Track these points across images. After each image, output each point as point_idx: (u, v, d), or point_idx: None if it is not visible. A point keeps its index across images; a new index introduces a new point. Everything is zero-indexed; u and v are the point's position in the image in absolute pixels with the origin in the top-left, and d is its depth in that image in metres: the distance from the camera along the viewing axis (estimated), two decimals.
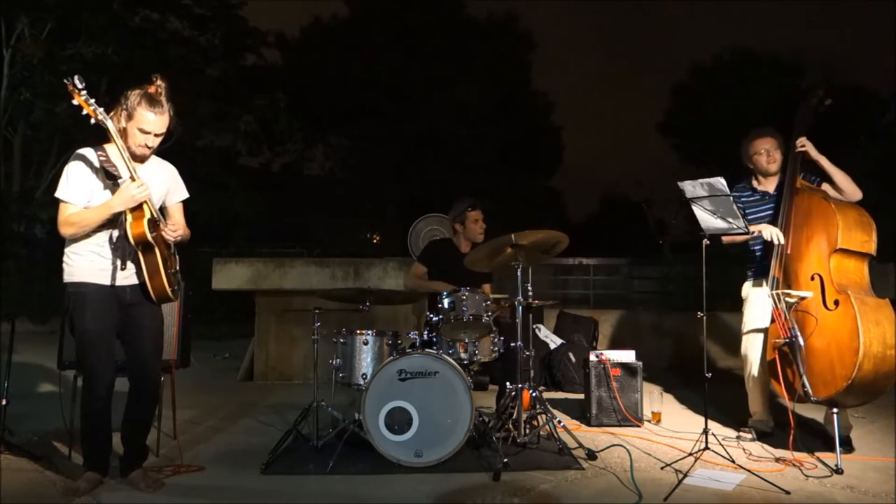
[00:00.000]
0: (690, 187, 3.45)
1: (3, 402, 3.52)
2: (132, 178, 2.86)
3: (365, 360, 3.69)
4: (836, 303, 3.41)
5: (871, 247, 3.55)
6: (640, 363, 4.40)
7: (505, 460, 3.27)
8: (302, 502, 2.99)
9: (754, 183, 4.05)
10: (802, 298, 3.52)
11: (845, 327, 3.34)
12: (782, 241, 3.66)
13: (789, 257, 3.66)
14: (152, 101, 2.92)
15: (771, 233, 3.70)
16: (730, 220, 3.46)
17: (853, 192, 3.73)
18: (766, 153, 3.92)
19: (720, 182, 3.39)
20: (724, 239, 3.87)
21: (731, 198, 3.42)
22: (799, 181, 3.77)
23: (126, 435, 3.12)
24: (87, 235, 2.92)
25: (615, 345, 7.05)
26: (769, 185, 4.00)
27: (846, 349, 3.31)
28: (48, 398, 4.92)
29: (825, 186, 3.81)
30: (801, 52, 20.50)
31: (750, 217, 3.95)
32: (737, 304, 4.15)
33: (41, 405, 4.63)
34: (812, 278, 3.54)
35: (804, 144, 3.73)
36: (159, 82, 2.98)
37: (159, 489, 3.05)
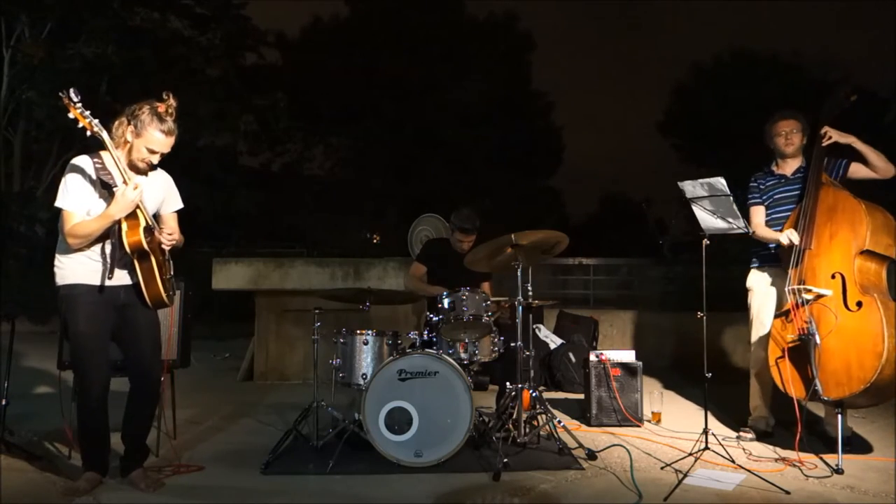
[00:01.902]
0: (690, 187, 3.45)
1: (3, 402, 3.53)
2: (125, 183, 2.86)
3: (365, 360, 3.70)
4: (859, 304, 3.33)
5: (894, 251, 3.49)
6: (640, 363, 4.40)
7: (505, 460, 3.27)
8: (302, 502, 2.99)
9: (773, 167, 4.02)
10: (821, 296, 3.46)
11: (868, 330, 3.27)
12: (796, 242, 3.59)
13: (809, 253, 3.57)
14: (162, 120, 2.93)
15: (788, 237, 3.63)
16: (730, 219, 3.45)
17: (887, 168, 3.67)
18: (785, 135, 3.89)
19: (720, 182, 3.38)
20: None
21: (731, 198, 3.41)
22: (824, 176, 3.71)
23: (127, 434, 3.12)
24: (88, 245, 2.93)
25: (615, 345, 7.05)
26: (787, 169, 3.95)
27: (867, 353, 3.24)
28: (48, 398, 4.92)
29: (855, 168, 3.75)
30: (801, 52, 20.51)
31: (767, 200, 3.95)
32: (737, 304, 4.15)
33: (41, 405, 4.63)
34: (833, 276, 3.47)
35: (829, 134, 3.69)
36: (171, 101, 2.97)
37: (159, 489, 3.05)
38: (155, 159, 2.99)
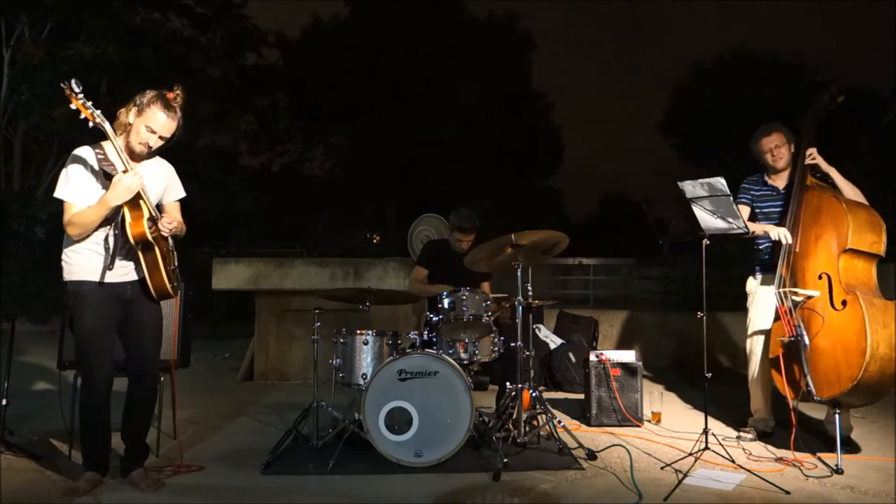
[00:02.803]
0: (690, 187, 3.45)
1: (3, 402, 3.53)
2: (125, 171, 2.86)
3: (365, 360, 3.70)
4: (844, 303, 3.38)
5: (881, 248, 3.51)
6: (640, 363, 4.40)
7: (505, 460, 3.27)
8: (302, 502, 2.99)
9: (766, 178, 4.04)
10: (809, 297, 3.49)
11: (853, 328, 3.31)
12: (790, 241, 3.63)
13: (797, 255, 3.62)
14: (167, 104, 2.96)
15: (778, 233, 3.67)
16: (730, 220, 3.45)
17: (859, 201, 3.70)
18: (771, 152, 3.91)
19: (720, 182, 3.39)
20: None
21: (731, 198, 3.42)
22: (809, 178, 3.73)
23: (126, 433, 3.12)
24: (88, 234, 2.93)
25: (615, 345, 7.05)
26: (779, 181, 3.98)
27: (853, 350, 3.28)
28: (48, 398, 4.92)
29: None
30: (801, 52, 20.52)
31: (760, 211, 3.98)
32: (737, 304, 4.15)
33: (41, 405, 4.63)
34: (819, 277, 3.51)
35: (814, 157, 3.71)
36: (178, 91, 3.02)
37: (159, 489, 3.05)
38: (153, 141, 2.97)
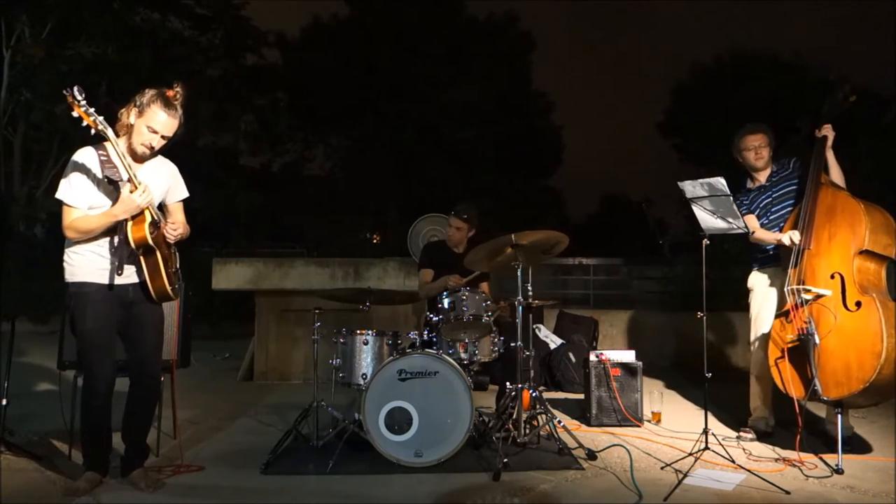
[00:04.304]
0: (690, 187, 3.45)
1: (3, 402, 3.53)
2: (133, 185, 2.86)
3: (365, 360, 3.70)
4: (858, 304, 3.33)
5: (893, 251, 3.49)
6: (640, 363, 4.39)
7: (505, 460, 3.27)
8: (302, 502, 2.99)
9: (749, 184, 4.10)
10: (820, 296, 3.46)
11: (867, 330, 3.27)
12: (796, 241, 3.59)
13: (809, 253, 3.58)
14: (167, 103, 2.94)
15: (790, 237, 3.62)
16: (730, 219, 3.45)
17: (841, 184, 3.73)
18: (755, 150, 3.97)
19: (720, 182, 3.38)
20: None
21: (731, 198, 3.42)
22: (823, 176, 3.71)
23: (126, 433, 3.12)
24: (90, 238, 2.93)
25: (615, 345, 7.05)
26: (761, 178, 4.04)
27: (866, 352, 3.24)
28: (48, 398, 4.92)
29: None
30: (801, 52, 20.54)
31: (756, 210, 3.99)
32: (738, 304, 4.15)
33: (41, 405, 4.64)
34: (832, 277, 3.47)
35: (827, 133, 3.70)
36: (178, 89, 3.00)
37: (159, 489, 3.05)
38: (155, 142, 2.96)
